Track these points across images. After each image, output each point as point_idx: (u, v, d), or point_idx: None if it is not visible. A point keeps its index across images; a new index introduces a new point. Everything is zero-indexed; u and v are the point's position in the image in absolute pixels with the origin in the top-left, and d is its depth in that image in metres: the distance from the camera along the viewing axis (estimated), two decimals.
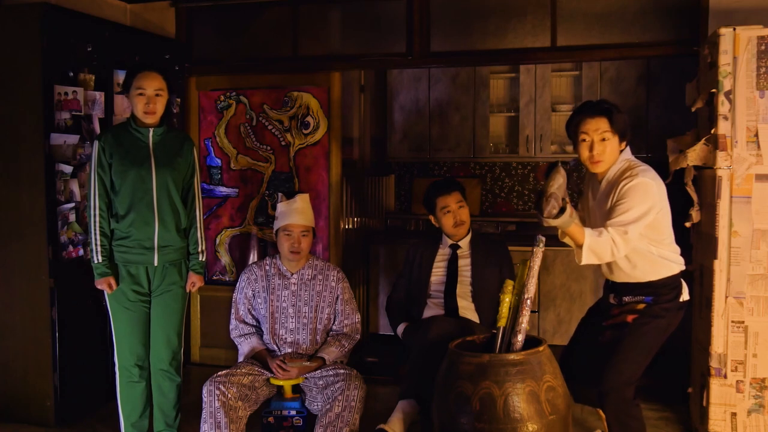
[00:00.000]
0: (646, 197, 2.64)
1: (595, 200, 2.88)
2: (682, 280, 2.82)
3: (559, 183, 2.59)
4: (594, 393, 2.88)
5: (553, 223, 2.53)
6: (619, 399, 2.75)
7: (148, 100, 3.10)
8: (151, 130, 3.16)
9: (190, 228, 3.29)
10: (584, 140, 2.77)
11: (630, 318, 2.78)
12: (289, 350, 3.29)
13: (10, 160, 3.61)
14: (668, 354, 3.81)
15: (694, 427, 3.50)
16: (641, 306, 2.77)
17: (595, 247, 2.60)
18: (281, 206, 3.33)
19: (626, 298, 2.83)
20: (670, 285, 2.78)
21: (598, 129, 2.74)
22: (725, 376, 3.17)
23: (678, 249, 2.82)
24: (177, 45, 4.63)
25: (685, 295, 2.82)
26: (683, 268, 2.82)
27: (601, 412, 3.11)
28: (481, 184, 5.98)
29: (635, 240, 2.65)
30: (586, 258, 2.62)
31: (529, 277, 2.70)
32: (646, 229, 2.68)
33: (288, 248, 3.30)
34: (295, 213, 3.30)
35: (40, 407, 3.65)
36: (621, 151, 2.79)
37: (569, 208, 2.51)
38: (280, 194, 3.39)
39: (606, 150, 2.75)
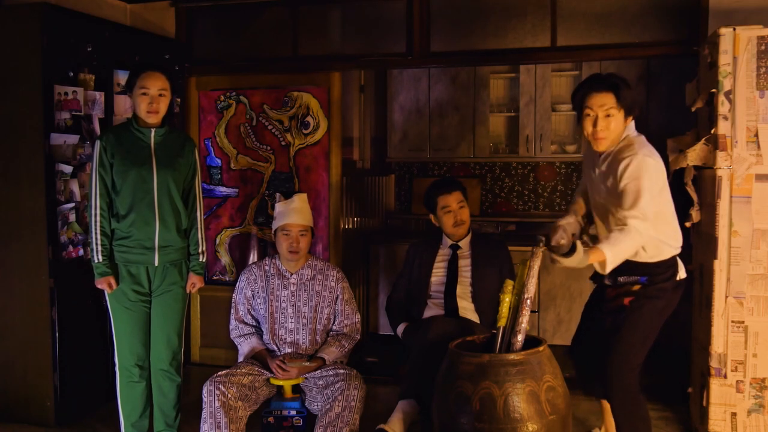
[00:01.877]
0: (647, 174, 2.60)
1: (595, 174, 2.84)
2: (678, 258, 2.78)
3: (569, 221, 2.70)
4: (600, 386, 2.86)
5: (568, 263, 2.52)
6: (624, 386, 2.72)
7: (151, 99, 3.10)
8: (153, 130, 3.16)
9: (191, 229, 3.29)
10: (588, 115, 2.72)
11: (627, 301, 2.75)
12: (289, 350, 3.29)
13: (10, 160, 3.61)
14: (668, 354, 3.83)
15: (694, 427, 3.50)
16: (637, 287, 2.74)
17: (618, 254, 2.56)
18: (279, 206, 3.33)
19: (621, 278, 2.77)
20: (665, 264, 2.75)
21: (603, 105, 2.68)
22: (725, 376, 3.18)
23: (679, 231, 2.77)
24: (177, 45, 4.63)
25: (681, 273, 2.78)
26: (679, 250, 2.78)
27: (605, 403, 3.09)
28: (481, 184, 5.98)
29: (652, 218, 2.60)
30: (612, 264, 2.56)
31: (529, 277, 2.70)
32: None
33: (286, 248, 3.30)
34: (293, 213, 3.30)
35: (40, 407, 3.65)
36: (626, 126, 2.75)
37: (579, 246, 2.52)
38: (278, 194, 3.39)
39: (610, 126, 2.69)
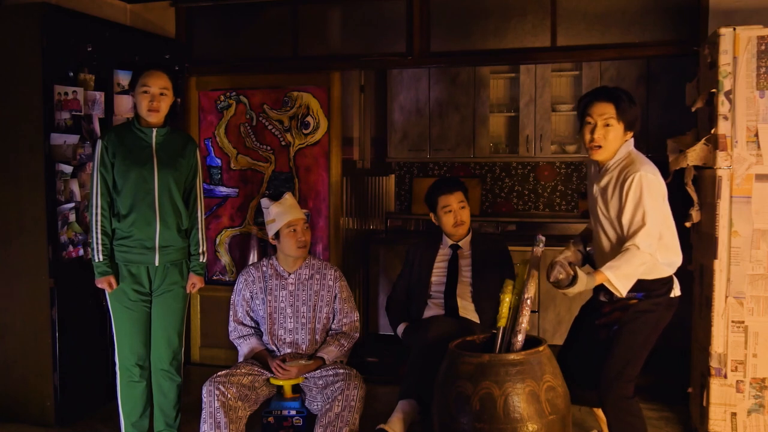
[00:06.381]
0: (649, 191, 2.62)
1: (594, 189, 2.85)
2: (674, 276, 2.80)
3: (566, 255, 2.84)
4: (593, 394, 2.87)
5: (574, 290, 2.61)
6: (618, 397, 2.73)
7: (152, 97, 3.10)
8: (155, 130, 3.16)
9: (192, 229, 3.29)
10: (588, 123, 2.76)
11: (621, 315, 2.76)
12: (289, 350, 3.29)
13: (11, 161, 3.61)
14: (668, 354, 3.83)
15: (694, 427, 3.50)
16: (632, 302, 2.75)
17: (627, 276, 2.60)
18: (275, 207, 3.33)
19: (617, 295, 2.77)
20: (660, 281, 2.75)
21: (603, 114, 2.72)
22: (725, 376, 3.18)
23: (678, 250, 2.77)
24: (177, 45, 4.63)
25: (676, 291, 2.79)
26: (674, 269, 2.79)
27: (598, 412, 3.11)
28: (481, 184, 5.98)
29: (657, 232, 2.63)
30: (624, 287, 2.61)
31: (529, 276, 2.70)
32: None
33: (295, 244, 3.30)
34: (291, 209, 3.33)
35: (40, 407, 3.65)
36: (626, 141, 2.76)
37: (581, 274, 2.59)
38: (264, 199, 3.39)
39: (608, 136, 2.72)
